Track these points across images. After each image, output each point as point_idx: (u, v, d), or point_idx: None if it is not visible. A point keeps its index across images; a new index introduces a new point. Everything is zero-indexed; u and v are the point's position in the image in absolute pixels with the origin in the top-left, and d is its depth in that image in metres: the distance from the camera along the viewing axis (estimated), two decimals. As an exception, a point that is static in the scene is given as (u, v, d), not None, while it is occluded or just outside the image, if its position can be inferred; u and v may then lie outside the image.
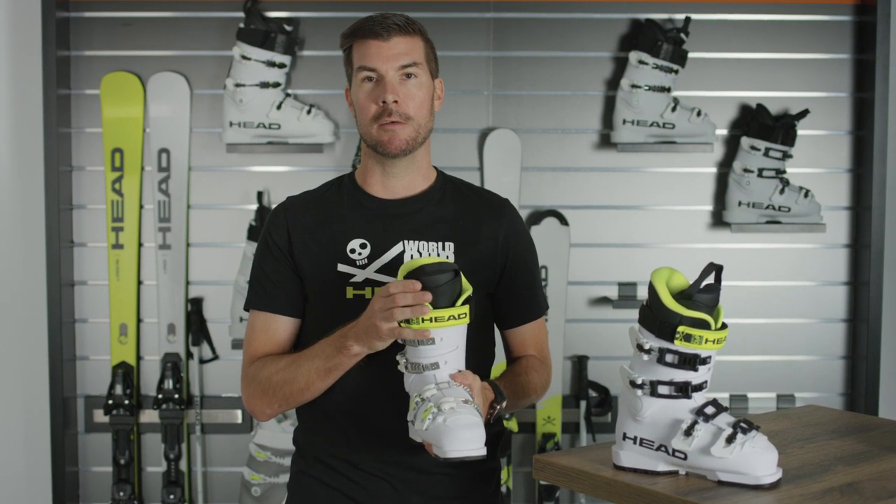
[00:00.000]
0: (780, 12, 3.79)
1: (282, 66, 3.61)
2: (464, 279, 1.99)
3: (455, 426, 1.87)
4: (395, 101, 2.13)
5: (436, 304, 1.93)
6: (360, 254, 2.18)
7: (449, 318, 1.94)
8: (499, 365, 2.28)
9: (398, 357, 2.00)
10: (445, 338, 1.95)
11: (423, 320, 1.92)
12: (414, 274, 1.95)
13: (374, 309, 1.97)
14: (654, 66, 3.63)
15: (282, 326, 2.21)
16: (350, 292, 2.16)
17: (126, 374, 3.72)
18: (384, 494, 2.16)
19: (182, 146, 3.73)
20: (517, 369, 2.26)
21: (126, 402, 3.70)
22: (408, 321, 1.93)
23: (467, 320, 1.96)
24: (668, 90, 3.65)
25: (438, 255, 2.18)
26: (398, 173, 2.21)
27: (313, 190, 2.31)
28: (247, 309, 2.25)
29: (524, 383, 2.21)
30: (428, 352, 1.95)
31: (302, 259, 2.19)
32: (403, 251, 2.17)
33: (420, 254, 2.18)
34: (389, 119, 2.13)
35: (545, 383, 2.29)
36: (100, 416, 3.75)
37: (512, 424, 3.65)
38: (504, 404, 2.09)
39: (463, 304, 1.96)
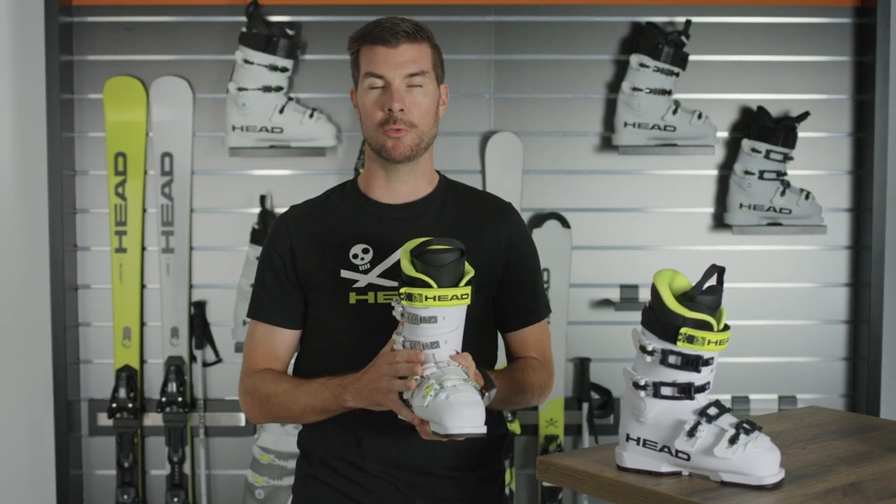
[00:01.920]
0: (780, 15, 3.79)
1: (284, 69, 3.62)
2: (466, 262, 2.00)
3: (458, 403, 1.87)
4: (401, 110, 2.14)
5: (439, 283, 1.93)
6: (362, 259, 2.19)
7: (452, 298, 1.94)
8: (501, 366, 2.29)
9: (395, 336, 2.01)
10: (448, 317, 1.95)
11: (426, 298, 1.92)
12: (418, 251, 1.95)
13: (380, 377, 1.99)
14: (655, 68, 3.64)
15: (280, 339, 2.25)
16: (353, 297, 2.18)
17: (129, 377, 3.73)
18: (389, 497, 2.17)
19: (185, 150, 3.74)
20: (514, 366, 2.27)
21: (130, 405, 3.71)
22: (410, 297, 1.93)
23: (469, 301, 1.97)
24: (669, 93, 3.66)
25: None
26: (401, 178, 2.23)
27: (315, 197, 2.32)
28: (249, 317, 2.28)
29: (519, 379, 2.22)
30: (429, 330, 1.95)
31: (305, 267, 2.21)
32: (406, 255, 2.19)
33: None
34: (395, 126, 2.14)
35: (543, 384, 2.28)
36: (103, 420, 3.76)
37: (515, 427, 3.66)
38: (492, 393, 2.07)
39: (466, 284, 1.96)
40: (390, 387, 1.97)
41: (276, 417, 2.22)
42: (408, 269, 1.96)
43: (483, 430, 1.88)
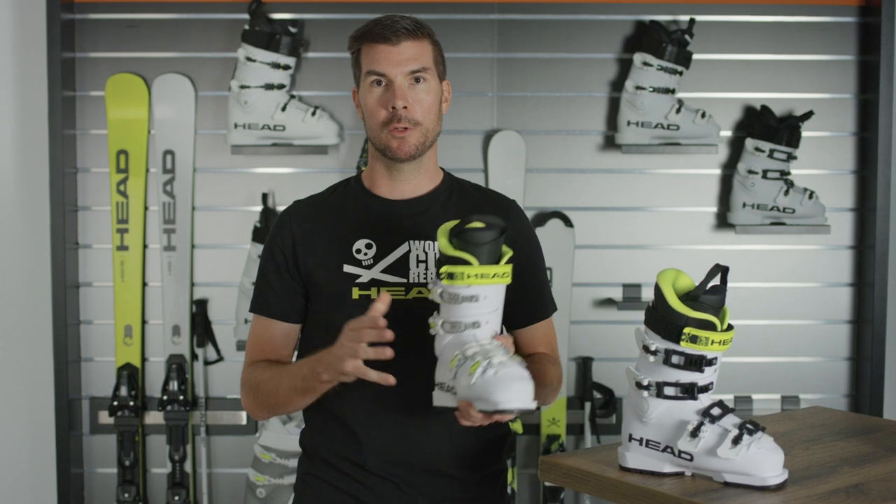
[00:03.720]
0: (784, 14, 3.79)
1: (286, 67, 3.62)
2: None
3: (507, 378, 1.84)
4: (405, 107, 2.13)
5: (480, 261, 1.91)
6: (365, 254, 2.18)
7: (493, 276, 1.92)
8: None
9: (431, 320, 1.99)
10: (489, 296, 1.94)
11: (467, 276, 1.90)
12: (458, 229, 1.94)
13: (342, 343, 1.97)
14: (659, 67, 3.63)
15: (279, 332, 2.24)
16: (356, 293, 2.17)
17: (131, 375, 3.72)
18: (390, 496, 2.16)
19: (187, 148, 3.73)
20: (533, 359, 2.24)
21: (131, 403, 3.71)
22: (451, 276, 1.91)
23: (509, 280, 1.96)
24: (673, 92, 3.65)
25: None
26: (405, 176, 2.22)
27: (319, 193, 2.32)
28: (250, 311, 2.29)
29: (542, 373, 2.19)
30: (470, 310, 1.93)
31: (307, 262, 2.21)
32: (409, 251, 2.18)
33: (426, 254, 2.18)
34: (400, 125, 2.13)
35: (559, 379, 2.27)
36: (105, 418, 3.76)
37: (517, 426, 3.64)
38: None
39: (506, 263, 1.95)
40: (354, 352, 1.94)
41: (268, 406, 2.19)
42: (446, 248, 1.94)
43: (533, 405, 1.85)
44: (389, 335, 1.93)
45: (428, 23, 2.22)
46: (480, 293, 1.92)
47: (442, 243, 1.95)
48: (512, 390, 1.82)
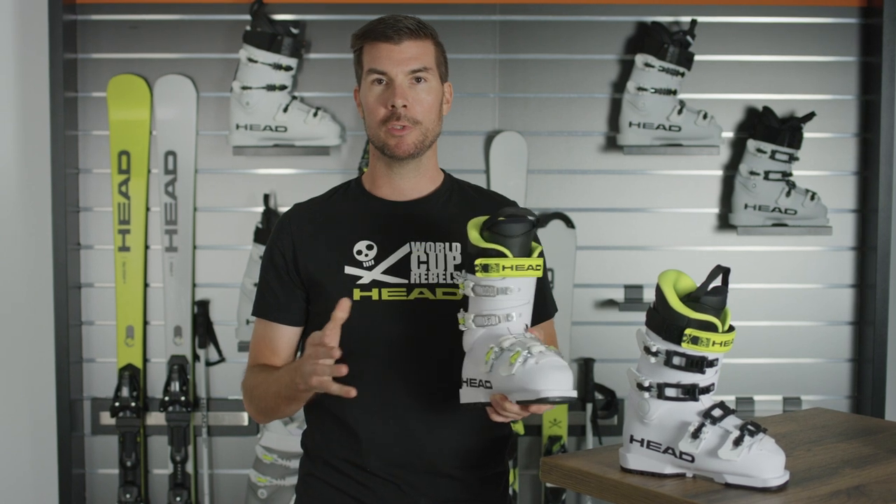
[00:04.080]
0: (785, 15, 3.79)
1: (288, 68, 3.62)
2: None
3: (548, 367, 1.84)
4: (404, 106, 2.13)
5: (513, 253, 1.92)
6: (366, 255, 2.18)
7: (528, 268, 1.93)
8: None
9: (459, 315, 2.00)
10: (522, 288, 1.94)
11: (503, 268, 1.91)
12: (490, 222, 1.94)
13: (306, 359, 2.00)
14: (661, 68, 3.63)
15: (280, 335, 2.25)
16: (357, 294, 2.17)
17: (132, 376, 3.72)
18: (392, 497, 2.16)
19: (188, 149, 3.73)
20: None
21: (132, 404, 3.71)
22: (485, 268, 1.91)
23: (541, 273, 1.97)
24: (675, 93, 3.65)
25: (445, 256, 2.18)
26: (406, 175, 2.22)
27: (319, 196, 2.32)
28: (252, 314, 2.31)
29: None
30: (504, 302, 1.94)
31: (308, 264, 2.21)
32: (410, 252, 2.18)
33: (427, 255, 2.18)
34: (398, 123, 2.14)
35: None
36: (106, 419, 3.76)
37: (518, 427, 3.65)
38: None
39: (538, 256, 1.96)
40: (314, 370, 1.97)
41: (261, 410, 2.22)
42: (478, 241, 1.95)
43: (574, 394, 1.86)
44: (336, 353, 1.94)
45: (430, 24, 2.23)
46: (514, 285, 1.93)
47: (473, 236, 1.96)
48: (553, 379, 1.83)
